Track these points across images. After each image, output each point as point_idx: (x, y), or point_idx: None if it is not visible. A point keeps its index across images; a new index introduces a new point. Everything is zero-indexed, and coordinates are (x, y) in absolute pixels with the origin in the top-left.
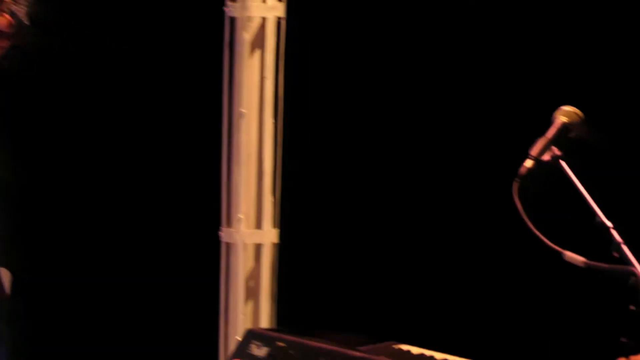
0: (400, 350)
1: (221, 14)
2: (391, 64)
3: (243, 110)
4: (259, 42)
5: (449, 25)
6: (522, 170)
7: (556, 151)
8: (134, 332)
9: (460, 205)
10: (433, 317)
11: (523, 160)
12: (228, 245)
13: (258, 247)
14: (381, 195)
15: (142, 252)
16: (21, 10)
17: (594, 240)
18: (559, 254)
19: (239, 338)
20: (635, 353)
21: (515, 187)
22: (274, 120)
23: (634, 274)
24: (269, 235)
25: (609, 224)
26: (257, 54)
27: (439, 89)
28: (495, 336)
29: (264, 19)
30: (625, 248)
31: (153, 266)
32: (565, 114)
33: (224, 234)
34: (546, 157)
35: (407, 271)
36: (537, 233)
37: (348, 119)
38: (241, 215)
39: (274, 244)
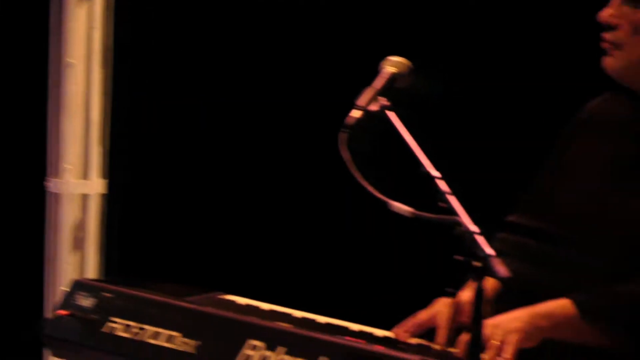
0: (226, 300)
1: None
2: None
3: (71, 61)
4: None
5: None
6: (350, 120)
7: (384, 101)
8: None
9: (284, 155)
10: (258, 268)
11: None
12: (54, 195)
13: (85, 198)
14: (208, 146)
15: None
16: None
17: (421, 191)
18: (386, 204)
19: (65, 289)
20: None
21: (342, 138)
22: (102, 70)
23: (459, 223)
24: (96, 185)
25: (435, 174)
26: (85, 4)
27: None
28: (321, 287)
29: None
30: (451, 198)
31: None
32: (392, 64)
33: (51, 184)
34: (374, 107)
35: (232, 222)
36: (365, 183)
37: (178, 71)
38: (68, 166)
39: (102, 195)
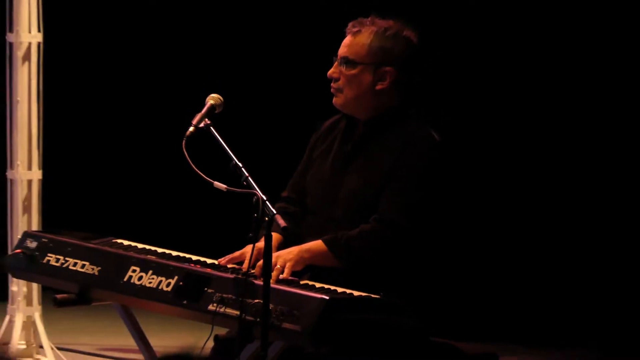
0: (117, 242)
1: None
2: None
3: (18, 99)
4: (27, 57)
5: None
6: (187, 133)
7: (207, 121)
8: None
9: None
10: (137, 221)
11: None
12: (11, 181)
13: (30, 182)
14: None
15: None
16: None
17: (232, 175)
18: (211, 184)
19: (19, 237)
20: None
21: (183, 143)
22: (37, 104)
23: (255, 195)
24: (36, 174)
25: (239, 164)
26: (26, 64)
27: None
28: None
29: (30, 43)
30: (250, 180)
31: None
32: (212, 98)
33: (9, 174)
34: (202, 125)
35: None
36: (197, 170)
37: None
38: (19, 162)
39: (39, 180)
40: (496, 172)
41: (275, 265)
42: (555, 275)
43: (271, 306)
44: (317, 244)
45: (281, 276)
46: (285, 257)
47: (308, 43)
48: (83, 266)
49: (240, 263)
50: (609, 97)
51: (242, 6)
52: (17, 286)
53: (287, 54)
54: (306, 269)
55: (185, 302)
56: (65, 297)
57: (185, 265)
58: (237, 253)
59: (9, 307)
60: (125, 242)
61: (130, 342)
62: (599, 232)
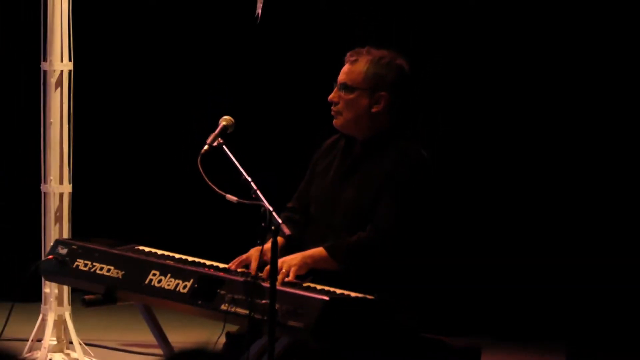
0: (139, 249)
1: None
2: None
3: (52, 121)
4: (59, 83)
5: None
6: (202, 151)
7: (220, 140)
8: None
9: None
10: (158, 230)
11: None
12: (45, 194)
13: (61, 195)
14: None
15: None
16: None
17: (243, 189)
18: (223, 196)
19: (51, 244)
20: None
21: (199, 160)
22: (68, 125)
23: (262, 207)
24: (67, 188)
25: (248, 179)
26: (59, 90)
27: None
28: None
29: (62, 71)
30: (258, 193)
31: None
32: (224, 120)
33: (43, 188)
34: (215, 143)
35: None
36: (211, 184)
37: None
38: (51, 177)
39: (69, 193)
40: (466, 176)
41: (281, 269)
42: (538, 274)
43: (277, 306)
44: (318, 250)
45: (286, 279)
46: (290, 262)
47: (312, 69)
48: (109, 270)
49: (248, 266)
50: (608, 103)
51: (256, 33)
52: (49, 288)
53: (292, 79)
54: (308, 273)
55: (200, 302)
56: (92, 298)
57: (200, 269)
58: (243, 256)
59: (42, 307)
60: (146, 249)
61: (150, 338)
62: (588, 231)
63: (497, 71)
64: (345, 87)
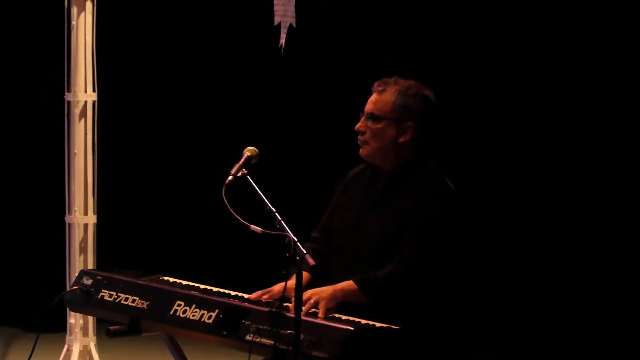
0: (164, 279)
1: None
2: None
3: (75, 152)
4: (83, 114)
5: None
6: (226, 181)
7: (244, 171)
8: None
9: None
10: (182, 260)
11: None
12: (69, 224)
13: (86, 225)
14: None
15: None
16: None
17: (267, 219)
18: (248, 227)
19: (76, 274)
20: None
21: (223, 190)
22: (92, 156)
23: (287, 237)
24: (92, 218)
25: (273, 209)
26: (83, 120)
27: None
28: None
29: (85, 102)
30: (283, 223)
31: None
32: (249, 150)
33: (68, 218)
34: (240, 174)
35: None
36: (235, 215)
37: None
38: (76, 208)
39: (94, 224)
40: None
41: (310, 300)
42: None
43: (302, 336)
44: (348, 284)
45: (318, 314)
46: (320, 295)
47: (336, 98)
48: (133, 301)
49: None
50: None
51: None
52: (74, 319)
53: (318, 108)
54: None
55: (225, 332)
56: (117, 329)
57: (225, 300)
58: (268, 289)
59: (67, 337)
60: (171, 279)
61: None
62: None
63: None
64: (373, 116)
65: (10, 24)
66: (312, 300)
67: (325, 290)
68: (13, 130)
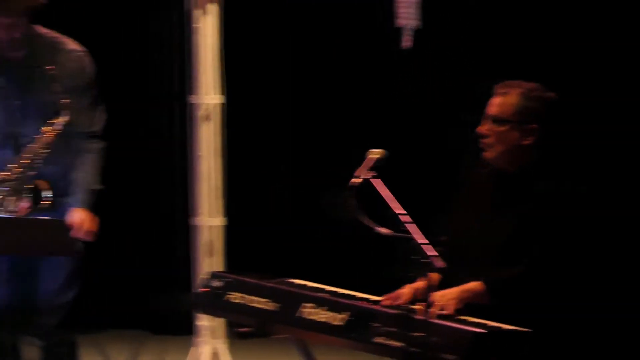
0: (292, 282)
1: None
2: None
3: (200, 154)
4: (208, 116)
5: None
6: (353, 183)
7: (370, 173)
8: None
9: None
10: (309, 262)
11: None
12: (196, 227)
13: (213, 228)
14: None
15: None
16: None
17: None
18: (375, 229)
19: (204, 277)
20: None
21: (348, 193)
22: (217, 158)
23: (412, 239)
24: (219, 220)
25: (402, 211)
26: (207, 123)
27: None
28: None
29: (211, 104)
30: (409, 226)
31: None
32: (375, 152)
33: (193, 221)
34: (365, 176)
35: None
36: (361, 217)
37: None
38: (202, 210)
39: (222, 226)
40: None
41: (438, 302)
42: None
43: (431, 338)
44: (475, 285)
45: (444, 313)
46: (447, 296)
47: (458, 100)
48: (262, 303)
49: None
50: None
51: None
52: (203, 321)
53: (437, 110)
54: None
55: (354, 335)
56: (246, 331)
57: (354, 302)
58: (397, 291)
59: (196, 339)
60: (296, 281)
61: None
62: None
63: None
64: (496, 119)
65: (134, 26)
66: (440, 302)
67: (453, 292)
68: (137, 132)
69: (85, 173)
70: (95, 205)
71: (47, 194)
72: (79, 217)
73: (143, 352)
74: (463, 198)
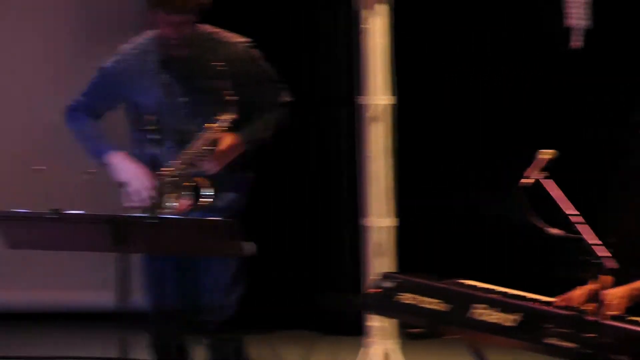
0: (467, 284)
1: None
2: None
3: (369, 154)
4: (378, 118)
5: None
6: (521, 184)
7: (542, 174)
8: None
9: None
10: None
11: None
12: (366, 227)
13: (383, 229)
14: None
15: None
16: None
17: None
18: (543, 229)
19: (375, 277)
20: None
21: (519, 192)
22: (392, 160)
23: (584, 240)
24: (391, 221)
25: (573, 212)
26: (377, 124)
27: None
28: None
29: (380, 105)
30: (579, 227)
31: None
32: (545, 153)
33: (364, 221)
34: (536, 176)
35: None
36: (532, 219)
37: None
38: (372, 211)
39: (393, 227)
40: None
41: (607, 302)
42: None
43: (604, 340)
44: None
45: (616, 314)
46: (617, 294)
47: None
48: (434, 304)
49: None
50: None
51: None
52: (374, 321)
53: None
54: None
55: (526, 336)
56: (417, 332)
57: (526, 303)
58: (569, 292)
59: (367, 340)
60: (466, 282)
61: None
62: None
63: None
64: None
65: (302, 27)
66: (610, 302)
67: (623, 291)
68: (306, 134)
69: (262, 121)
70: (266, 202)
71: (208, 192)
72: (228, 141)
73: (314, 353)
74: (631, 198)
